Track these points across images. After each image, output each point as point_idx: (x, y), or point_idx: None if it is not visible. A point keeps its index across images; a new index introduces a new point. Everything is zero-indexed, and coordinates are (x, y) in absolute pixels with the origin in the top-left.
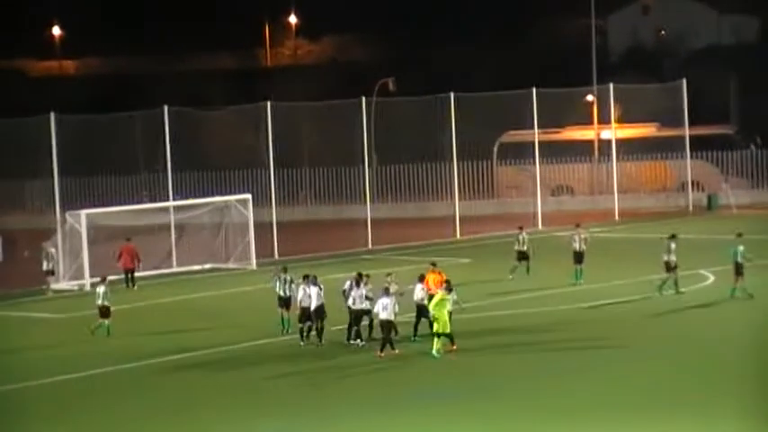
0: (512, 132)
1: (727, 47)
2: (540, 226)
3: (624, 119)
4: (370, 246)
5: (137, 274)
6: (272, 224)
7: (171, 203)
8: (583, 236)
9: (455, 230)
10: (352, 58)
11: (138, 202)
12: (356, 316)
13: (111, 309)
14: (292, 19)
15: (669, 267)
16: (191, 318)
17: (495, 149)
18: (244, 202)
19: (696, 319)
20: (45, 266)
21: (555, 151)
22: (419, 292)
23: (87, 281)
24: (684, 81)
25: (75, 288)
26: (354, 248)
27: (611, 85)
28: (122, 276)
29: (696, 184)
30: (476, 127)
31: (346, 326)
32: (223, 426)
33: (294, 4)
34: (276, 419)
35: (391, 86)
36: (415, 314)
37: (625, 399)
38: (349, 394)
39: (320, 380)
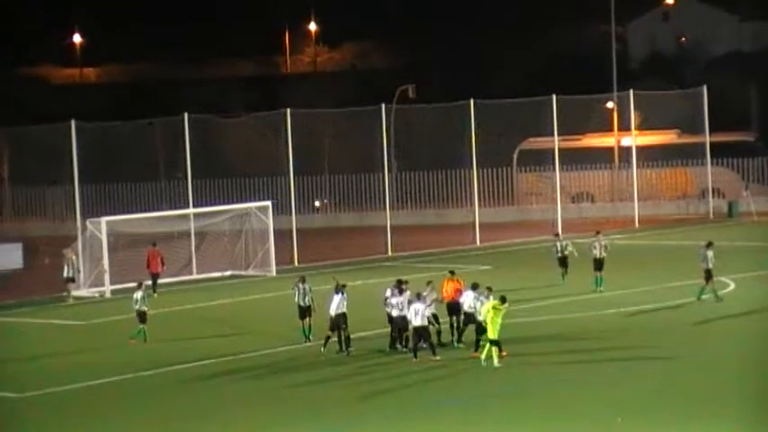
0: (532, 139)
1: (747, 53)
2: (560, 233)
3: (644, 125)
4: (389, 253)
5: (159, 281)
6: (291, 231)
7: (191, 210)
8: (603, 243)
9: (475, 237)
10: (372, 65)
11: (159, 210)
12: (397, 323)
13: (149, 313)
14: (312, 26)
15: (710, 275)
16: (211, 325)
17: (515, 156)
18: (264, 209)
19: (717, 324)
20: (65, 273)
21: (575, 158)
22: (469, 300)
23: (108, 288)
24: (705, 88)
25: (96, 295)
26: (374, 255)
27: (632, 92)
28: (170, 279)
29: (717, 191)
30: (496, 134)
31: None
32: (242, 427)
33: (314, 12)
34: (297, 427)
35: (411, 93)
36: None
37: (659, 406)
38: (369, 401)
39: (341, 387)
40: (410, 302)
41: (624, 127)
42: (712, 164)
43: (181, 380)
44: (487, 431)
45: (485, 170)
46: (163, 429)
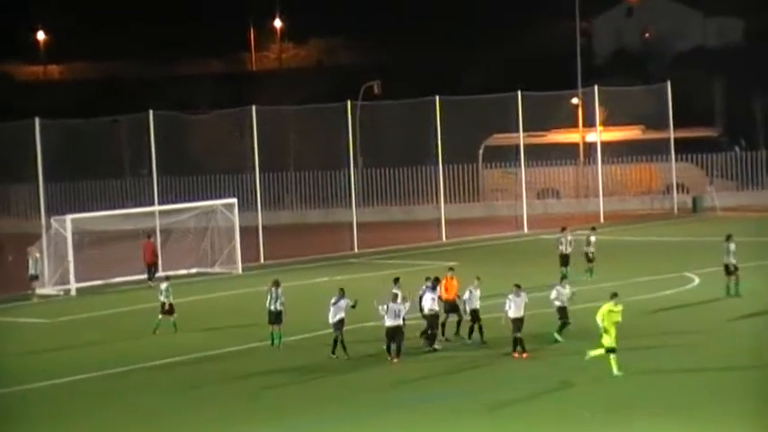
0: (497, 135)
1: (711, 49)
2: (525, 229)
3: (609, 121)
4: (356, 249)
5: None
6: (257, 228)
7: (156, 208)
8: (569, 239)
9: (441, 233)
10: (338, 62)
11: (124, 207)
12: (431, 320)
13: (173, 305)
14: (277, 23)
15: (728, 270)
16: (177, 322)
17: (481, 152)
18: (229, 206)
19: (682, 318)
20: (30, 271)
21: (540, 154)
22: (473, 299)
23: (73, 286)
24: (669, 83)
25: (61, 293)
26: (341, 252)
27: (596, 88)
28: (135, 277)
29: (681, 187)
30: (461, 130)
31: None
32: (210, 426)
33: (279, 8)
34: (266, 424)
35: (377, 90)
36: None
37: (629, 404)
38: (339, 397)
39: (309, 382)
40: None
41: (589, 123)
42: (677, 159)
43: (148, 378)
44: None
45: (450, 166)
46: (131, 428)
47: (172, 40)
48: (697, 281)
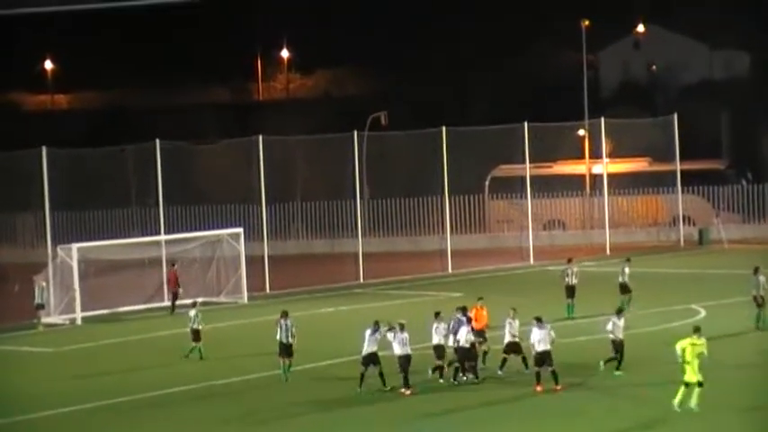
0: (503, 166)
1: (718, 81)
2: (531, 260)
3: (616, 153)
4: (361, 279)
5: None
6: (263, 258)
7: (162, 237)
8: (575, 270)
9: (446, 264)
10: (345, 92)
11: (130, 236)
12: (462, 354)
13: (202, 332)
14: (285, 53)
15: (757, 302)
16: (183, 352)
17: (487, 183)
18: (235, 236)
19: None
20: (36, 300)
21: (547, 185)
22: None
23: (78, 315)
24: (676, 116)
25: (67, 322)
26: (346, 282)
27: (603, 120)
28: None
29: (688, 219)
30: (468, 161)
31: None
32: None
33: (286, 39)
34: None
35: (383, 120)
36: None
37: None
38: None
39: (316, 413)
40: (396, 333)
41: (596, 154)
42: (683, 191)
43: (153, 406)
44: None
45: (457, 197)
46: None
47: (179, 69)
48: (703, 313)
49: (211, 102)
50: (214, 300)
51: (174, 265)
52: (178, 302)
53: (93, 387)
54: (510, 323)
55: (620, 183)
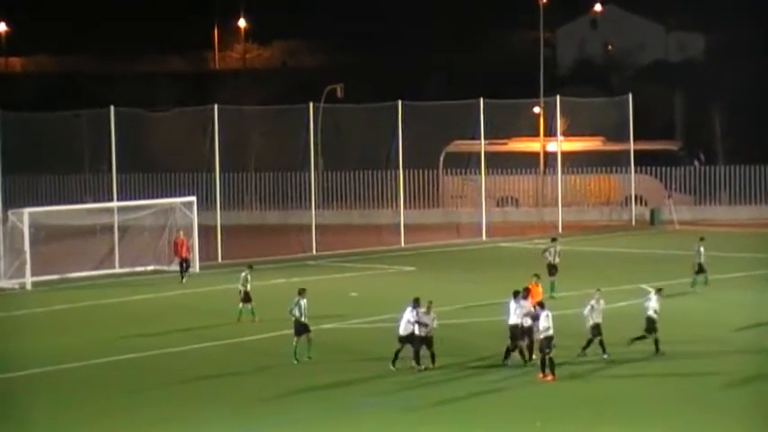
0: (458, 142)
1: (673, 63)
2: (484, 236)
3: (570, 132)
4: (314, 252)
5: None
6: (216, 227)
7: (115, 204)
8: (558, 248)
9: (400, 238)
10: (302, 64)
11: (83, 202)
12: (512, 333)
13: (249, 293)
14: (242, 23)
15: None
16: (132, 320)
17: (442, 159)
18: (188, 204)
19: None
20: None
21: (501, 162)
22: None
23: (29, 279)
24: (630, 96)
25: (16, 287)
26: (299, 254)
27: (558, 98)
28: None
29: (640, 199)
30: (423, 136)
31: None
32: (164, 426)
33: (244, 9)
34: (219, 424)
35: (339, 93)
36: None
37: (597, 409)
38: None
39: (261, 385)
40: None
41: (550, 132)
42: (636, 172)
43: (102, 374)
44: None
45: (411, 172)
46: (86, 424)
47: (135, 37)
48: (652, 293)
49: (167, 70)
50: (165, 268)
51: (179, 231)
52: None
53: (43, 352)
54: (593, 306)
55: (574, 161)
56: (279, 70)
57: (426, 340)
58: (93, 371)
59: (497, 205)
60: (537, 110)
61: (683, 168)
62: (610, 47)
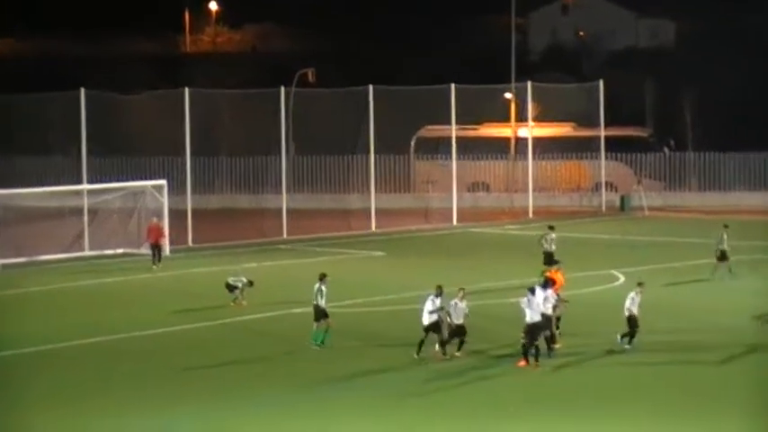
0: (430, 127)
1: (644, 50)
2: (455, 222)
3: (541, 118)
4: (285, 236)
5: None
6: (187, 211)
7: (84, 187)
8: (554, 236)
9: (371, 223)
10: (273, 48)
11: (52, 185)
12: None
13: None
14: (213, 6)
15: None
16: (100, 303)
17: (413, 144)
18: (159, 187)
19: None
20: None
21: (472, 147)
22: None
23: None
24: (601, 82)
25: None
26: (270, 237)
27: (530, 84)
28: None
29: (610, 185)
30: (394, 121)
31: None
32: (133, 408)
33: None
34: (187, 404)
35: (311, 77)
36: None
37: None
38: (260, 382)
39: (236, 370)
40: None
41: (522, 118)
42: (607, 158)
43: (68, 357)
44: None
45: (382, 157)
46: (52, 407)
47: (105, 20)
48: (622, 279)
49: (139, 53)
50: (135, 251)
51: (155, 217)
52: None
53: (7, 335)
54: (633, 298)
55: (545, 147)
56: (250, 54)
57: (459, 328)
58: (60, 354)
59: (468, 191)
60: (508, 95)
61: (653, 155)
62: (581, 33)
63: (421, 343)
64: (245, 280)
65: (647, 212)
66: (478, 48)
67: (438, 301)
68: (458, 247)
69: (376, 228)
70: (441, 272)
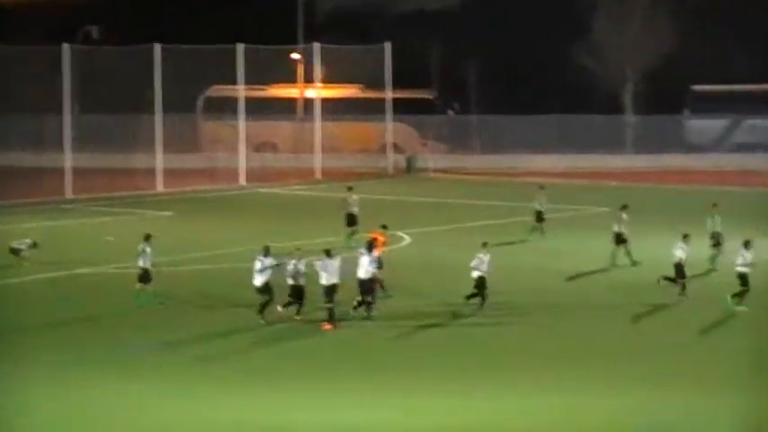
0: (218, 87)
1: (430, 12)
2: (243, 182)
3: (329, 79)
4: (69, 195)
5: None
6: None
7: None
8: (355, 197)
9: (157, 183)
10: (54, 3)
11: None
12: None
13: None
14: None
15: (620, 239)
16: None
17: (201, 103)
18: None
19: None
20: None
21: (260, 108)
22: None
23: None
24: (389, 44)
25: None
26: (53, 197)
27: (317, 45)
28: None
29: (397, 147)
30: (182, 80)
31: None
32: None
33: None
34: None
35: (95, 34)
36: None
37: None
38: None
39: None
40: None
41: (310, 79)
42: (393, 120)
43: None
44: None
45: (169, 116)
46: None
47: None
48: (408, 239)
49: None
50: None
51: None
52: None
53: None
54: (480, 258)
55: (333, 108)
56: (29, 6)
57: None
58: None
59: (256, 151)
60: (296, 56)
61: (438, 117)
62: None
63: (262, 306)
64: (29, 241)
65: (432, 174)
66: (267, 7)
67: (267, 261)
68: (245, 208)
69: (163, 187)
70: (227, 232)
